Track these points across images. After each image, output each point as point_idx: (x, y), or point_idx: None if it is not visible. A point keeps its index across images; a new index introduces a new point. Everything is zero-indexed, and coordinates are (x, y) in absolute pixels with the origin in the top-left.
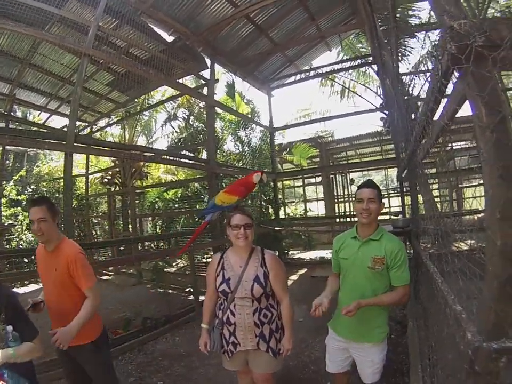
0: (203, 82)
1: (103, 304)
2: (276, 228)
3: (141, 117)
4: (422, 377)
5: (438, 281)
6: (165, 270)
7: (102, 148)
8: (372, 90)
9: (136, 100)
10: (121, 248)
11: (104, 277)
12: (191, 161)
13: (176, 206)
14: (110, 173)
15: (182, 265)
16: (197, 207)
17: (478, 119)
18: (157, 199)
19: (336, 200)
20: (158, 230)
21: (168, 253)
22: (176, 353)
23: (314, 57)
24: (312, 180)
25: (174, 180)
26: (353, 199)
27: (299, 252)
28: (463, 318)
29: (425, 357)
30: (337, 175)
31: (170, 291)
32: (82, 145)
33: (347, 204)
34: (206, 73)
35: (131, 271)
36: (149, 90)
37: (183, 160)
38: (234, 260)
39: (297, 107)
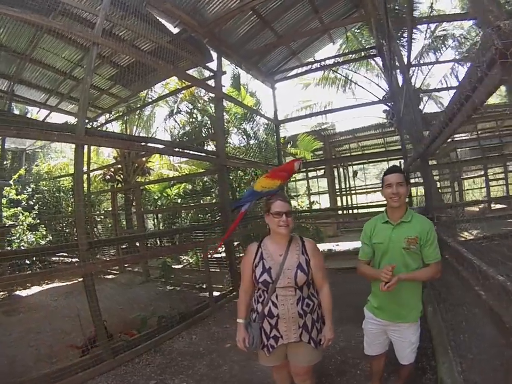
0: (209, 74)
1: (112, 304)
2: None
3: (142, 112)
4: (453, 357)
5: (472, 259)
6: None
7: (113, 139)
8: (374, 82)
9: (138, 95)
10: (123, 246)
11: (109, 276)
12: (201, 154)
13: (183, 201)
14: (111, 169)
15: (188, 261)
16: (208, 200)
17: None
18: (160, 195)
19: (339, 193)
20: (161, 227)
21: (182, 248)
22: (196, 352)
23: (317, 49)
24: (314, 173)
25: (177, 176)
26: (354, 191)
27: None
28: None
29: (451, 338)
30: (339, 168)
31: (179, 288)
32: (94, 136)
33: (348, 197)
34: (212, 65)
35: (136, 269)
36: (153, 83)
37: (192, 152)
38: (274, 248)
39: (298, 98)
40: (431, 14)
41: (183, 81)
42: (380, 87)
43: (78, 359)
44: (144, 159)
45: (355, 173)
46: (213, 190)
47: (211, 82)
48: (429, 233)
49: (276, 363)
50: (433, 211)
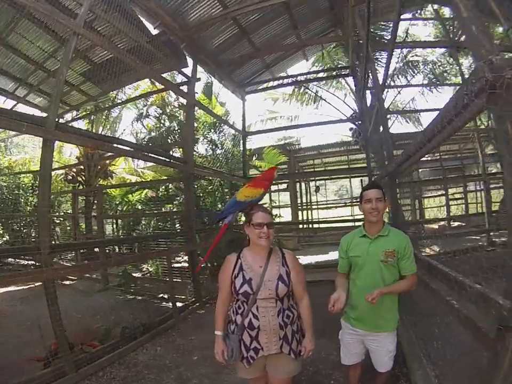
0: (182, 80)
1: (69, 312)
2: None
3: (110, 113)
4: (426, 364)
5: (447, 271)
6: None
7: (84, 137)
8: (343, 101)
9: (108, 95)
10: (82, 251)
11: (67, 282)
12: (169, 160)
13: (144, 207)
14: (74, 170)
15: (148, 270)
16: (170, 208)
17: (505, 132)
18: (121, 201)
19: (300, 208)
20: (120, 233)
21: (146, 256)
22: (162, 365)
23: (290, 65)
24: (276, 187)
25: (143, 181)
26: (316, 206)
27: None
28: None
29: (422, 347)
30: (302, 183)
31: (140, 297)
32: (66, 132)
33: (309, 212)
34: (186, 71)
35: (94, 276)
36: (126, 83)
37: (161, 158)
38: (253, 259)
39: (263, 108)
40: (406, 39)
41: (155, 84)
42: (348, 106)
43: (40, 372)
44: (107, 161)
45: (317, 188)
46: (178, 198)
47: (184, 88)
48: (406, 247)
49: (255, 375)
50: (401, 227)
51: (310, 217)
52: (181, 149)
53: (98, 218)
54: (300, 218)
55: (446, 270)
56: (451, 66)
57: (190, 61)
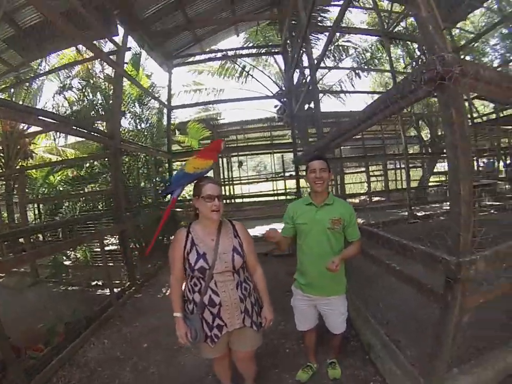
0: (110, 49)
1: (5, 313)
2: (178, 210)
3: (31, 85)
4: (374, 324)
5: (389, 236)
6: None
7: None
8: (270, 78)
9: (31, 64)
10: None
11: None
12: (96, 134)
13: (68, 188)
14: None
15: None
16: (96, 188)
17: (449, 116)
18: (42, 183)
19: (223, 183)
20: (43, 219)
21: (79, 241)
22: (114, 359)
23: (221, 39)
24: None
25: (68, 159)
26: (239, 181)
27: None
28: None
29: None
30: (224, 158)
31: (74, 287)
32: None
33: (231, 187)
34: (116, 40)
35: (23, 269)
36: (52, 51)
37: (87, 132)
38: (204, 233)
39: (188, 79)
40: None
41: (81, 53)
42: (275, 83)
43: None
44: (27, 140)
45: (240, 163)
46: (104, 176)
47: (113, 58)
48: (351, 215)
49: (220, 353)
50: None
51: (232, 193)
52: (104, 123)
53: (20, 204)
54: (223, 193)
55: (388, 235)
56: (380, 54)
57: (120, 30)
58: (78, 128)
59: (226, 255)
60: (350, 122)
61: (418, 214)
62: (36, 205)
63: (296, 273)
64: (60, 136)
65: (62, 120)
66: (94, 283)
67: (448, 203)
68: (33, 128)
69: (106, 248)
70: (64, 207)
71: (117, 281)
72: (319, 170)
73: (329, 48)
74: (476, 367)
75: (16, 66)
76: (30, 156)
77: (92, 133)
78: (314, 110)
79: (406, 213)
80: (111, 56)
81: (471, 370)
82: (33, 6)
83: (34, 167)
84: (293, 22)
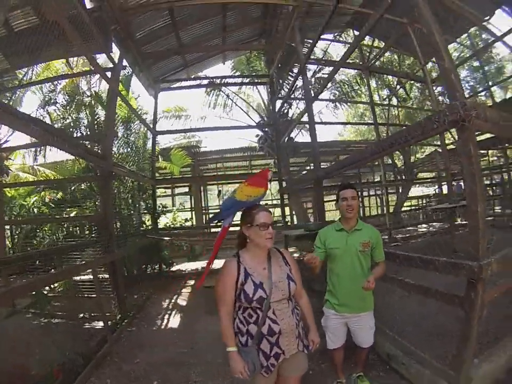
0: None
1: None
2: (165, 238)
3: (13, 95)
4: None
5: (407, 254)
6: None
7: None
8: (253, 108)
9: (16, 72)
10: None
11: None
12: (89, 154)
13: (48, 211)
14: None
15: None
16: (87, 212)
17: (468, 151)
18: (19, 204)
19: (205, 211)
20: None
21: (74, 271)
22: None
23: (207, 66)
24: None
25: (55, 178)
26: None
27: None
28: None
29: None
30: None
31: (63, 321)
32: None
33: (209, 216)
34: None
35: None
36: (44, 60)
37: (80, 149)
38: (255, 262)
39: (172, 104)
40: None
41: (71, 67)
42: (258, 113)
43: None
44: (4, 154)
45: (219, 193)
46: (89, 200)
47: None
48: (378, 238)
49: (272, 381)
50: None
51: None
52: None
53: None
54: (205, 222)
55: (407, 253)
56: (358, 86)
57: (114, 47)
58: (69, 145)
59: (282, 283)
60: (366, 151)
61: (397, 237)
62: (9, 227)
63: (327, 295)
64: (39, 154)
65: (58, 134)
66: (81, 315)
67: (423, 225)
68: (11, 143)
69: (87, 278)
70: (44, 230)
71: (107, 314)
72: (350, 198)
73: (311, 80)
74: (492, 355)
75: (0, 72)
76: (6, 172)
77: (85, 152)
78: (311, 141)
79: (386, 237)
80: (108, 73)
81: (490, 358)
82: (42, 6)
83: (23, 184)
84: (284, 53)
